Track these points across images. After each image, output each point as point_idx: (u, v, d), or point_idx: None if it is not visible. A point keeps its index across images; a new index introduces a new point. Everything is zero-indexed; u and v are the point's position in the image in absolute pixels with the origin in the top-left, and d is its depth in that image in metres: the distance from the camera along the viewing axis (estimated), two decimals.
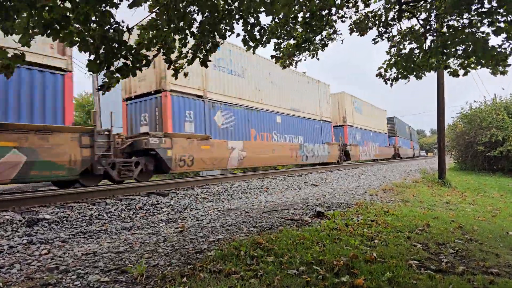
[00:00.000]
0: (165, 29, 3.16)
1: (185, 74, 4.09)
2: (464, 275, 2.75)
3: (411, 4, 5.06)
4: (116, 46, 2.86)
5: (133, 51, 3.03)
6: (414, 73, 4.87)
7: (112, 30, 2.81)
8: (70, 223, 4.96)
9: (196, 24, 3.32)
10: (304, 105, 17.91)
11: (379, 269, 2.73)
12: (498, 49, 3.70)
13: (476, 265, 3.06)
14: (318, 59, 5.55)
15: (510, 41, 3.66)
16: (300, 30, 4.90)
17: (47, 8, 2.30)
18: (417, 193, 8.91)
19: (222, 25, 3.25)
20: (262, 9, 3.10)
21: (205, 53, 3.70)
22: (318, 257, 3.00)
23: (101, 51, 2.81)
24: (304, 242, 3.50)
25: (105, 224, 4.98)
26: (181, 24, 3.09)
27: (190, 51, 3.70)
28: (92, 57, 2.80)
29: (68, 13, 2.42)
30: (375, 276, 2.61)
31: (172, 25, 3.08)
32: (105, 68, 2.90)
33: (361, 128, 25.80)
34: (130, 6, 2.74)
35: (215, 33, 3.35)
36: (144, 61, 3.09)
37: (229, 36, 3.55)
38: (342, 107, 23.25)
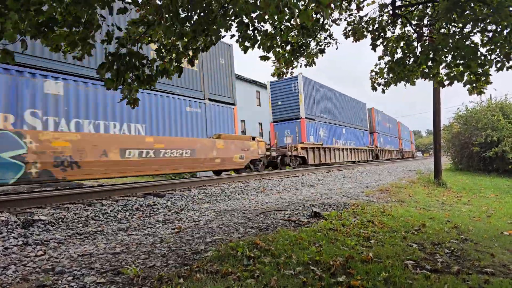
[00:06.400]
0: (156, 27, 3.16)
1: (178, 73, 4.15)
2: (459, 275, 2.77)
3: (404, 8, 5.08)
4: (127, 59, 2.96)
5: (144, 61, 3.14)
6: (406, 79, 4.86)
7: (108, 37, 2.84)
8: (66, 224, 4.93)
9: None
10: None
11: (375, 269, 2.75)
12: (486, 58, 3.72)
13: (471, 264, 3.08)
14: (314, 64, 5.52)
15: (497, 51, 3.68)
16: (295, 34, 4.90)
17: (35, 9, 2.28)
18: (413, 194, 8.95)
19: (215, 25, 3.23)
20: (256, 13, 3.09)
21: (193, 52, 3.68)
22: (314, 257, 3.01)
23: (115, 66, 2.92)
24: (301, 242, 3.51)
25: (101, 225, 4.96)
26: (176, 25, 3.08)
27: (179, 48, 3.69)
28: (109, 75, 2.98)
29: (55, 14, 2.42)
30: (371, 276, 2.63)
31: (164, 23, 3.07)
32: (121, 82, 3.02)
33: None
34: (123, 12, 2.78)
35: (209, 33, 3.33)
36: (161, 71, 3.23)
37: (223, 37, 3.54)
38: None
